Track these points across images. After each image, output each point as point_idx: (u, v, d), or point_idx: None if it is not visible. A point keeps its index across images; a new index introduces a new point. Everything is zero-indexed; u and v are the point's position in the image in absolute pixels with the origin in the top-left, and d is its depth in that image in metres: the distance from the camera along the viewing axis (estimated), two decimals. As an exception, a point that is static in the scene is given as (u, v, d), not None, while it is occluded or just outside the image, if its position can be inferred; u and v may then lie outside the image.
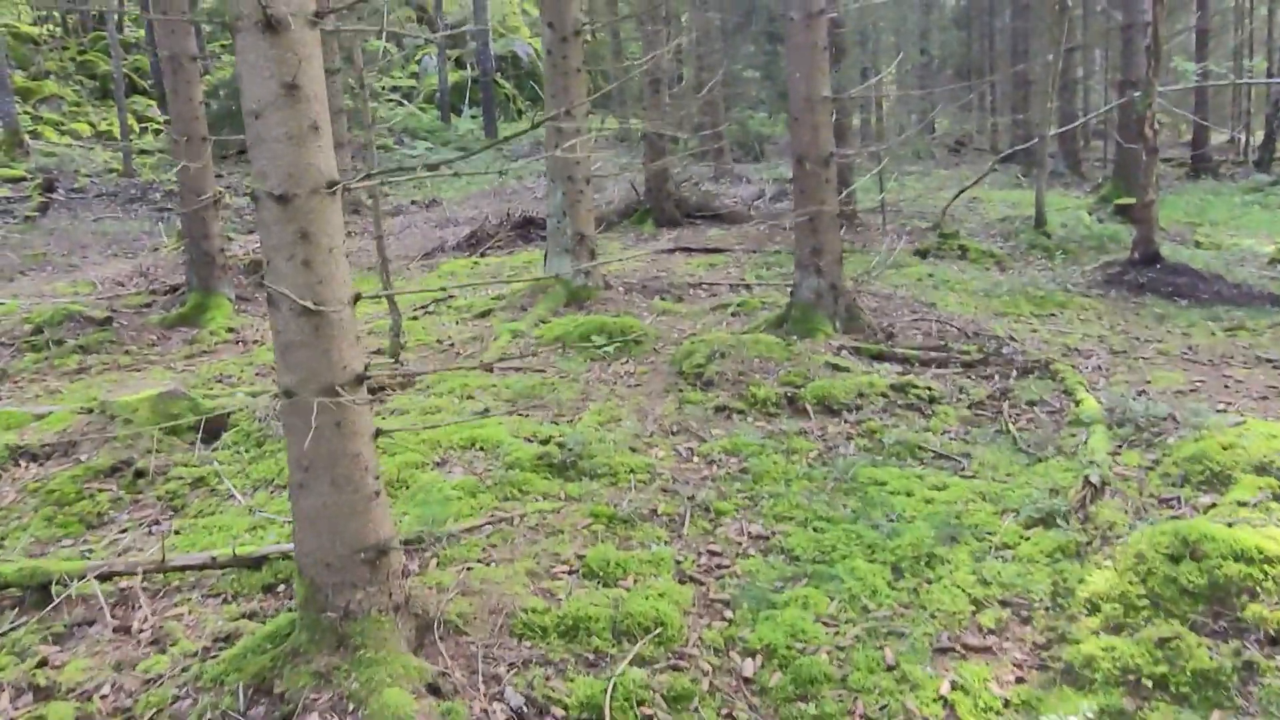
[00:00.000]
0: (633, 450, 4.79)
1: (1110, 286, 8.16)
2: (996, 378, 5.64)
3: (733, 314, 7.60)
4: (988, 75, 24.66)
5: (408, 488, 4.35)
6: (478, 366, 6.40)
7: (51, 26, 27.16)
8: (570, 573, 3.61)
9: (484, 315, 7.94)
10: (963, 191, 11.26)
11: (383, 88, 25.82)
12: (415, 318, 8.15)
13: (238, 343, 7.97)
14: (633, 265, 10.09)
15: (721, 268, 10.07)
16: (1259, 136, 21.79)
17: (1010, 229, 11.26)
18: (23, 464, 5.01)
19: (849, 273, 7.08)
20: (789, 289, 6.85)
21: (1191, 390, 5.17)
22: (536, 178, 19.02)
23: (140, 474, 4.75)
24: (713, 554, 3.80)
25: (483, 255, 11.65)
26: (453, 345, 7.22)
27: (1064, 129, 16.54)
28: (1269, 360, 5.72)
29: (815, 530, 3.90)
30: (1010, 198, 14.98)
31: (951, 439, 4.84)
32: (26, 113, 21.43)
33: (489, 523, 4.00)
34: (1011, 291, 7.95)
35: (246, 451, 5.06)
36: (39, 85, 23.46)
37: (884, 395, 5.32)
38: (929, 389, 5.36)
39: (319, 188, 2.64)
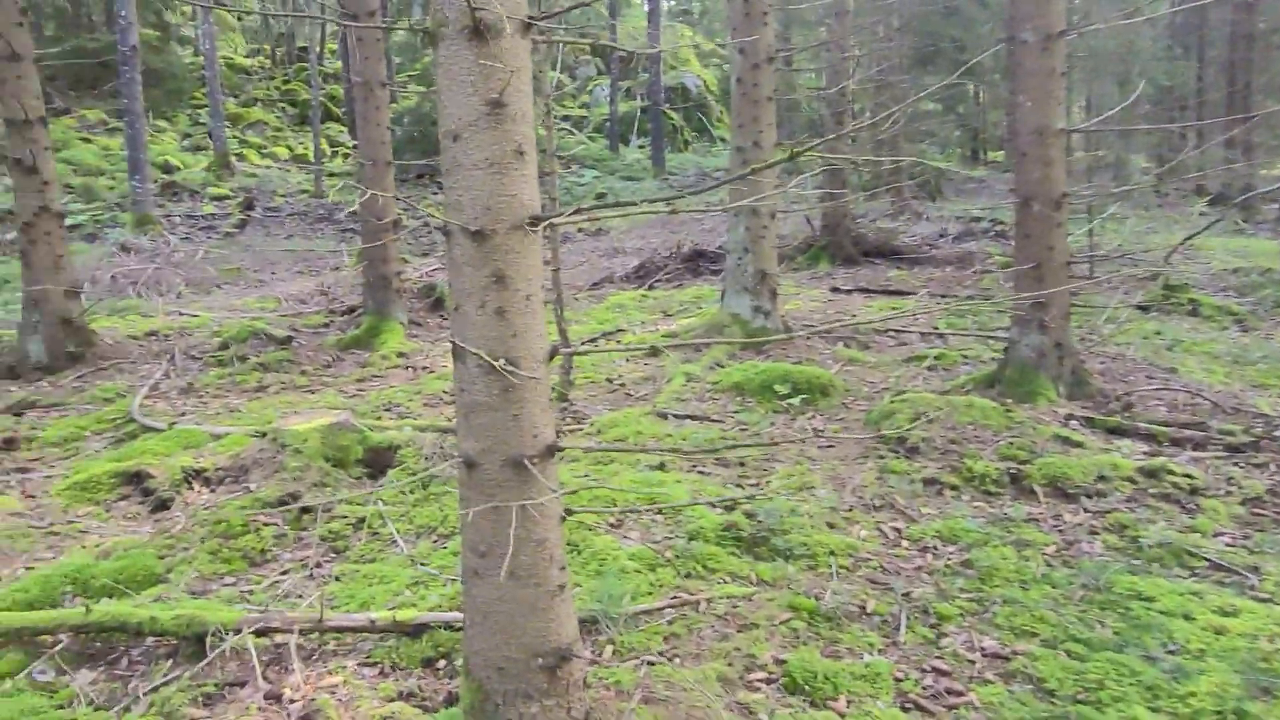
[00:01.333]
0: (830, 526, 4.18)
1: (1395, 358, 6.83)
2: (1274, 467, 4.66)
3: (929, 368, 6.84)
4: (1195, 108, 22.47)
5: (579, 552, 3.91)
6: (651, 411, 5.96)
7: (262, 59, 29.37)
8: (769, 682, 3.04)
9: (654, 354, 7.52)
10: (1191, 238, 9.99)
11: (555, 118, 26.36)
12: (584, 354, 7.83)
13: (407, 368, 7.90)
14: (811, 306, 9.45)
15: (906, 312, 9.26)
16: None
17: (1247, 282, 9.87)
18: (196, 488, 4.94)
19: (1074, 330, 6.19)
20: (1004, 345, 6.04)
21: None
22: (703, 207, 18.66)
23: (306, 510, 4.55)
24: (940, 673, 3.13)
25: (651, 288, 11.32)
26: (623, 385, 6.83)
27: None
28: None
29: (1070, 655, 3.16)
30: (1232, 245, 13.32)
31: (1229, 545, 3.96)
32: (235, 136, 23.12)
33: (671, 605, 3.49)
34: (1269, 358, 6.79)
35: (411, 492, 4.79)
36: (247, 111, 25.33)
37: (1131, 480, 4.47)
38: (1189, 476, 4.47)
39: (520, 223, 2.23)
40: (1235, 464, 4.72)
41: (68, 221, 15.23)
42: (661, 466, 4.93)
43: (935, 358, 6.96)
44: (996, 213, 15.48)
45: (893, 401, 5.48)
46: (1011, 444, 4.84)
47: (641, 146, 27.71)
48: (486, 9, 2.07)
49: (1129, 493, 4.39)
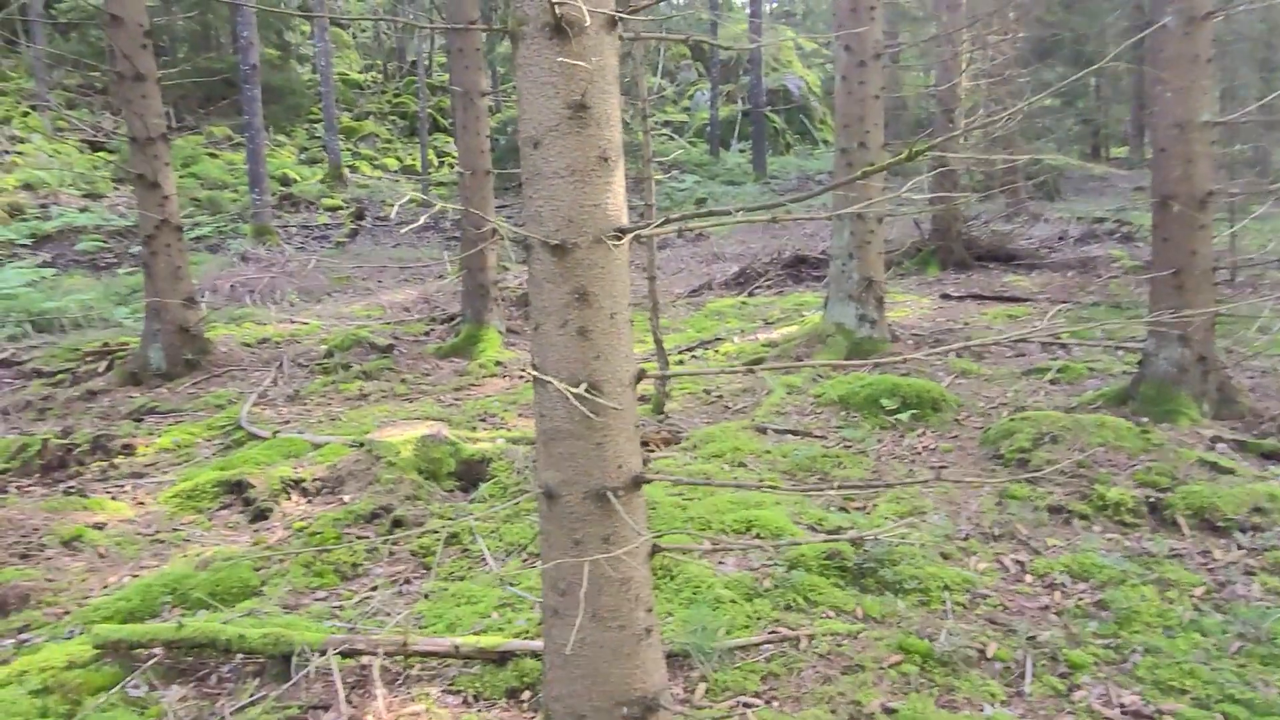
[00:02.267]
0: (944, 557, 3.86)
1: None
2: None
3: (1051, 381, 6.35)
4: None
5: (672, 578, 3.71)
6: (750, 425, 5.72)
7: (374, 74, 30.38)
8: (877, 734, 2.77)
9: (755, 364, 7.26)
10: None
11: (655, 123, 26.31)
12: (680, 362, 7.64)
13: (504, 377, 7.87)
14: (920, 314, 9.01)
15: (1025, 321, 8.72)
16: None
17: None
18: (294, 497, 4.97)
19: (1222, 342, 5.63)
20: (1138, 358, 5.55)
21: None
22: (806, 211, 18.23)
23: (398, 523, 4.51)
24: (1072, 732, 2.80)
25: (751, 294, 11.04)
26: (720, 398, 6.60)
27: None
28: None
29: (1228, 719, 2.77)
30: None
31: None
32: (348, 149, 23.94)
33: (769, 641, 3.25)
34: None
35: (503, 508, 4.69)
36: (360, 125, 26.21)
37: (1293, 513, 3.97)
38: (1364, 511, 3.94)
39: (604, 235, 2.05)
40: None
41: (194, 233, 16.05)
42: (761, 484, 4.69)
43: (1058, 370, 6.47)
44: (1122, 213, 14.54)
45: (1012, 420, 5.08)
46: (1150, 469, 4.39)
47: (743, 150, 27.39)
48: (569, 4, 1.90)
49: (1290, 527, 3.91)
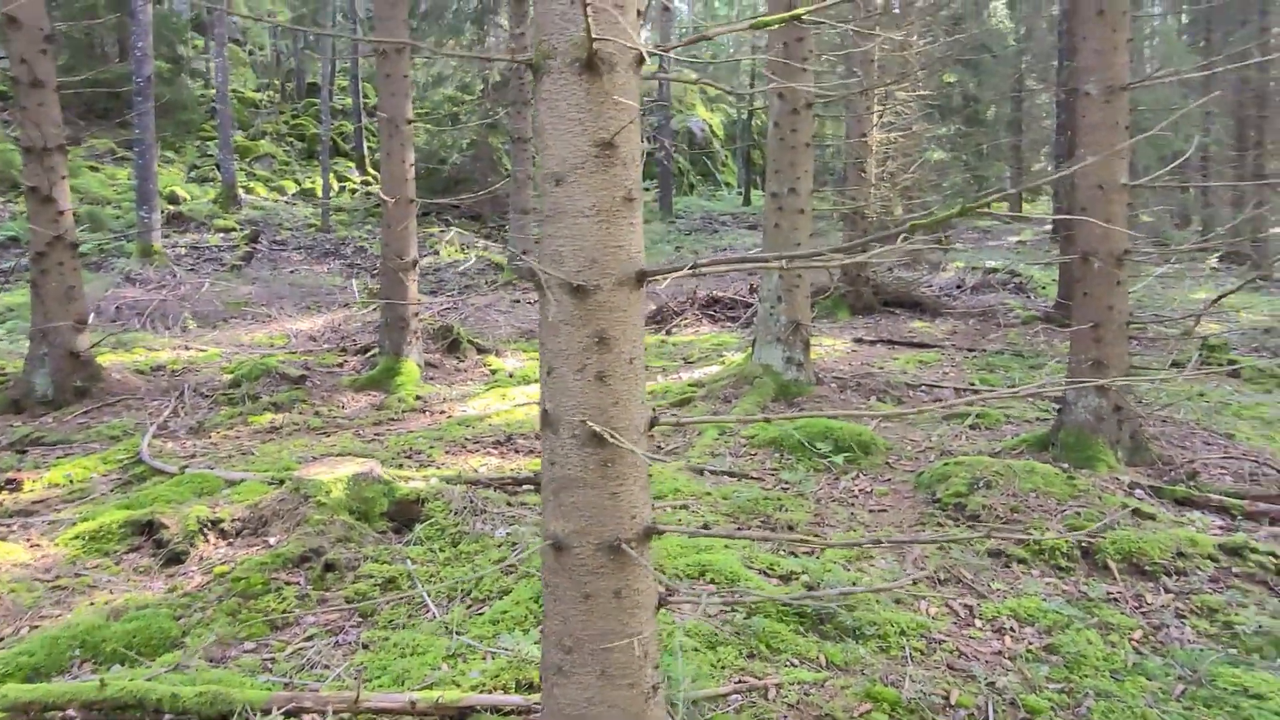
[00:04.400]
0: (897, 602, 3.90)
1: None
2: (1358, 547, 4.40)
3: (970, 426, 6.59)
4: (1251, 168, 22.51)
5: (631, 626, 3.61)
6: (685, 467, 5.70)
7: (271, 93, 29.41)
8: (857, 787, 2.74)
9: (682, 404, 7.27)
10: (1224, 296, 9.80)
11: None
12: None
13: (425, 412, 7.62)
14: (837, 357, 9.23)
15: (936, 366, 9.05)
16: None
17: (1280, 343, 9.68)
18: (212, 539, 4.63)
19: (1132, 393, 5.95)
20: (1057, 406, 5.81)
21: None
22: (713, 253, 18.55)
23: (330, 567, 4.26)
24: (1042, 779, 2.84)
25: (669, 333, 11.10)
26: (650, 437, 6.56)
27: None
28: None
29: (1185, 762, 2.87)
30: (1259, 303, 13.20)
31: (1331, 633, 3.67)
32: (243, 170, 23.01)
33: (736, 691, 3.19)
34: (1325, 425, 6.56)
35: (441, 550, 4.50)
36: (255, 145, 25.26)
37: (1212, 559, 4.20)
38: (1273, 555, 4.20)
39: (628, 278, 1.98)
40: (1319, 542, 4.46)
41: (73, 250, 15.05)
42: (706, 527, 4.65)
43: (977, 416, 6.71)
44: (1013, 264, 15.37)
45: (946, 464, 5.22)
46: (1077, 514, 4.58)
47: (648, 189, 27.74)
48: (605, 39, 1.85)
49: (1211, 572, 4.12)
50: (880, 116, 11.59)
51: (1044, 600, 3.89)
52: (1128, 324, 5.39)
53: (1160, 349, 9.43)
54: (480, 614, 3.85)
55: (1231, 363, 8.42)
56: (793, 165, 7.20)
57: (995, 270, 14.78)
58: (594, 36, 1.83)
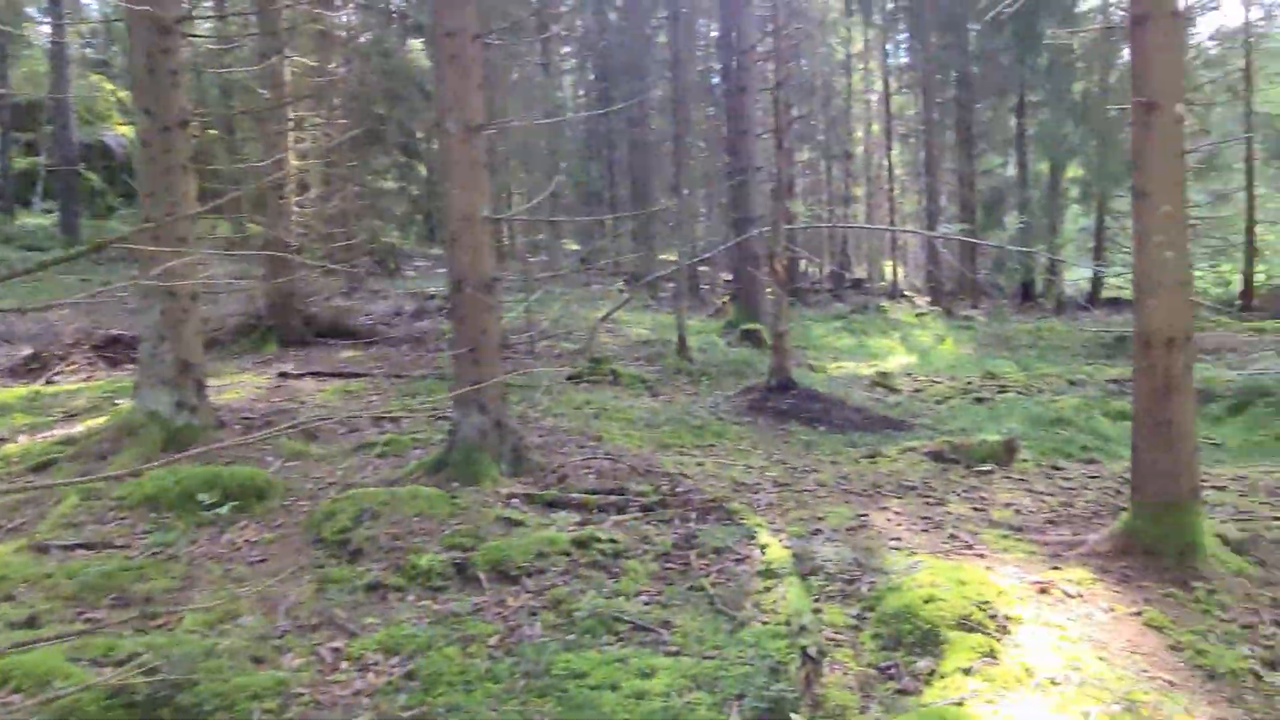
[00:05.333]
0: (257, 661, 3.60)
1: (756, 413, 8.45)
2: (677, 521, 5.27)
3: (379, 455, 6.57)
4: (609, 202, 26.35)
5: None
6: (28, 545, 4.71)
7: None
8: None
9: (42, 468, 6.07)
10: (609, 315, 11.38)
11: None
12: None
13: None
14: (255, 394, 8.61)
15: (361, 395, 8.96)
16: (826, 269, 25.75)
17: (654, 353, 11.53)
18: None
19: (512, 407, 6.47)
20: (449, 426, 6.04)
21: (860, 525, 5.20)
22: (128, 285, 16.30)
23: None
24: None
25: (49, 382, 9.33)
26: (-12, 513, 5.33)
27: (697, 259, 17.81)
28: (911, 487, 6.05)
29: (511, 759, 3.05)
30: (644, 320, 15.64)
31: (646, 603, 4.29)
32: None
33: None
34: (671, 421, 7.87)
35: None
36: None
37: (565, 553, 4.66)
38: (612, 541, 4.81)
39: None
40: (649, 523, 5.24)
41: None
42: (32, 622, 3.85)
43: (386, 444, 6.72)
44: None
45: (335, 500, 5.07)
46: (457, 532, 4.76)
47: (49, 211, 23.50)
48: None
49: (564, 566, 4.57)
50: (297, 141, 11.20)
51: (413, 625, 3.93)
52: (502, 345, 5.81)
53: (564, 363, 10.57)
54: None
55: (614, 373, 9.76)
56: (169, 189, 6.48)
57: (433, 297, 15.32)
58: None
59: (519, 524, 4.98)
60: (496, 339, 5.76)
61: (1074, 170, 24.03)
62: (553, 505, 5.40)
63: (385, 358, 11.06)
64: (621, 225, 27.20)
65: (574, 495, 5.50)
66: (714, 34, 25.76)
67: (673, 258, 17.60)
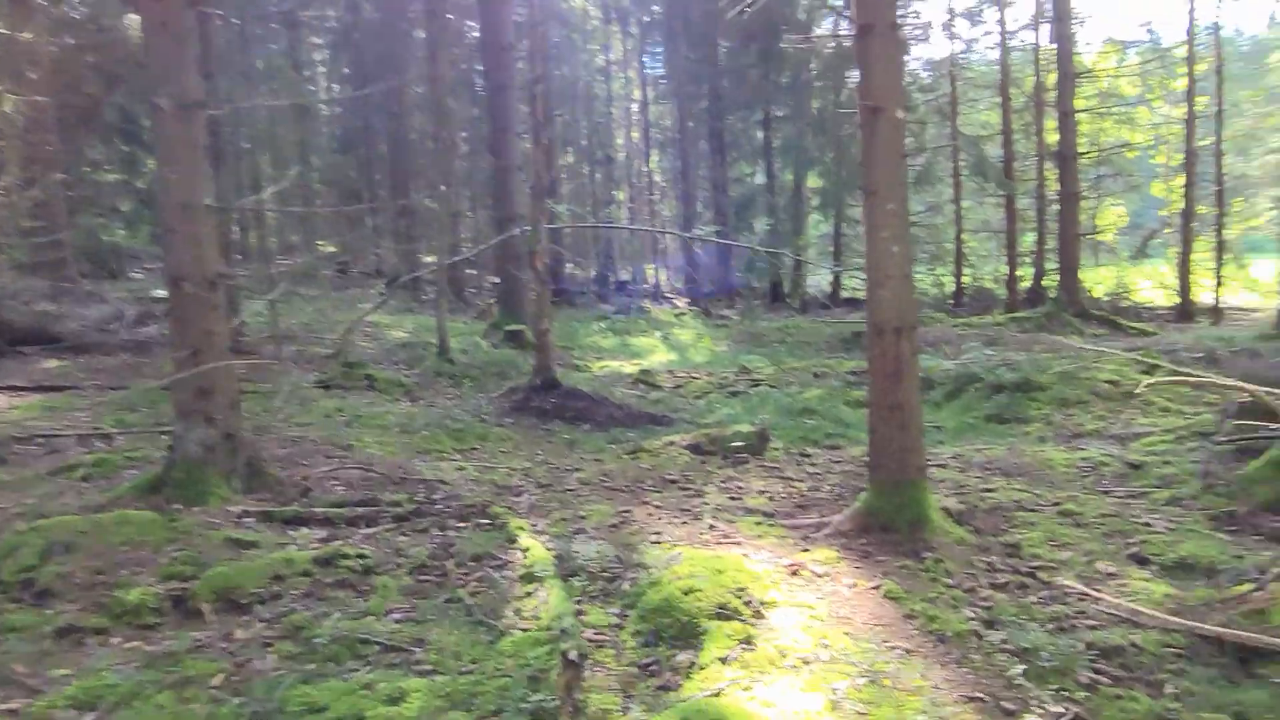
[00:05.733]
0: (-103, 740, 2.93)
1: (519, 414, 8.26)
2: (434, 531, 4.98)
3: (83, 478, 5.71)
4: (369, 200, 25.10)
5: None
6: None
7: None
8: None
9: None
10: (364, 317, 10.75)
11: None
12: None
13: None
14: (-79, 415, 7.25)
15: (65, 412, 7.81)
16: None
17: (414, 356, 11.02)
18: None
19: (248, 417, 5.85)
20: (169, 442, 5.35)
21: (622, 522, 5.15)
22: None
23: None
24: None
25: None
26: None
27: (456, 259, 17.28)
28: (672, 480, 6.11)
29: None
30: (405, 323, 14.98)
31: (398, 621, 3.97)
32: None
33: None
34: (430, 425, 7.49)
35: None
36: None
37: (306, 574, 4.23)
38: (361, 556, 4.44)
39: None
40: (403, 534, 4.90)
41: None
42: None
43: (93, 465, 5.86)
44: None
45: (20, 533, 4.30)
46: (175, 560, 4.19)
47: None
48: None
49: (305, 588, 4.15)
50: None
51: (115, 673, 3.37)
52: (232, 349, 5.23)
53: (314, 368, 9.83)
54: None
55: (369, 376, 9.20)
56: None
57: (162, 300, 13.78)
58: None
59: (251, 545, 4.47)
60: (224, 342, 5.17)
61: (814, 180, 25.98)
62: (293, 522, 4.91)
63: (101, 368, 9.76)
64: (382, 225, 26.05)
65: (318, 510, 5.04)
66: (476, 34, 25.30)
67: (435, 259, 17.05)
